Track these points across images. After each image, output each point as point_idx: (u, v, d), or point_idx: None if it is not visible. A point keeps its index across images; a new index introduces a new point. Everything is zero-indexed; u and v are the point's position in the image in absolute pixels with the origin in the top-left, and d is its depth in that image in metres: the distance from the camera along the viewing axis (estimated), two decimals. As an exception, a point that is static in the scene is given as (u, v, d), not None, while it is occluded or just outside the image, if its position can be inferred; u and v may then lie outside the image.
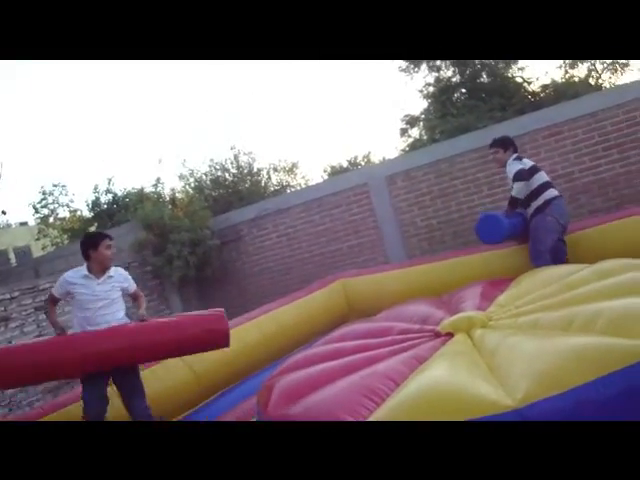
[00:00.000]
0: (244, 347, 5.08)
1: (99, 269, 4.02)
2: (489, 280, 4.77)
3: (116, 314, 4.03)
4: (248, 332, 5.38)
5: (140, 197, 10.43)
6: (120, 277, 4.16)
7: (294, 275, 8.58)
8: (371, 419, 2.55)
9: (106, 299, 4.01)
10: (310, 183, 15.35)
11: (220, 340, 3.95)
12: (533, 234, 5.07)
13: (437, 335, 3.51)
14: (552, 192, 5.14)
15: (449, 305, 4.33)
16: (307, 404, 2.85)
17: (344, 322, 6.05)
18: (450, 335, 3.43)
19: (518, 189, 5.05)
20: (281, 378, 3.40)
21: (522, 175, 5.06)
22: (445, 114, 12.30)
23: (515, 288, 4.21)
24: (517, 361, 2.66)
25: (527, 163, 5.23)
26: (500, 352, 2.85)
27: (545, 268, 4.43)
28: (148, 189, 12.08)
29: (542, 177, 5.20)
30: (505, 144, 5.32)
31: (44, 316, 6.90)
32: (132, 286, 4.26)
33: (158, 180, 12.44)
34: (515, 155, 5.29)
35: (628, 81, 8.32)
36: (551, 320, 3.11)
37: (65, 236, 13.25)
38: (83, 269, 4.02)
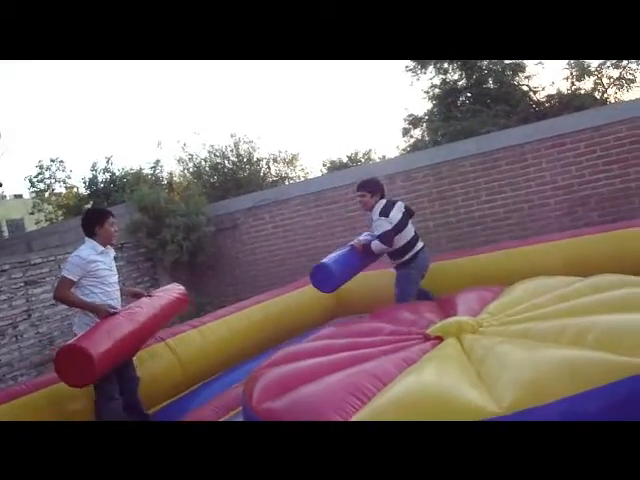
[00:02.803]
0: (232, 336, 5.07)
1: (103, 245, 4.02)
2: (481, 286, 4.76)
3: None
4: (237, 321, 5.37)
5: (137, 178, 10.41)
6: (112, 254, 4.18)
7: (287, 267, 8.56)
8: (356, 418, 2.54)
9: (116, 273, 4.09)
10: (309, 176, 15.34)
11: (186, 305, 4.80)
12: (398, 285, 5.10)
13: (427, 338, 3.50)
14: (418, 245, 5.12)
15: (439, 309, 4.32)
16: (293, 398, 2.84)
17: (333, 317, 6.05)
18: (439, 339, 3.42)
19: (377, 249, 4.90)
20: (269, 370, 3.39)
21: (389, 236, 4.89)
22: (449, 117, 12.28)
23: (507, 296, 4.20)
24: (506, 369, 2.66)
25: (395, 217, 5.00)
26: (489, 359, 2.85)
27: (539, 278, 4.42)
28: (146, 171, 12.06)
29: (409, 233, 5.07)
30: (373, 189, 5.09)
31: (34, 291, 6.88)
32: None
33: (157, 163, 12.43)
34: (384, 202, 5.07)
35: (634, 97, 8.32)
36: (542, 330, 3.10)
37: (60, 212, 13.22)
38: (95, 245, 3.97)
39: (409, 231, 5.09)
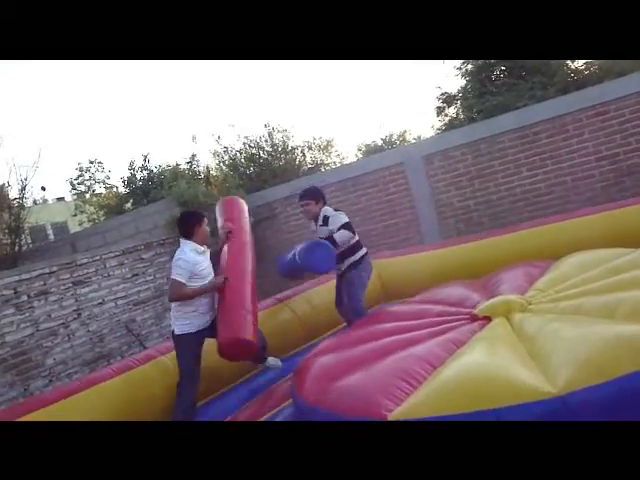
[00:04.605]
0: (277, 327, 5.07)
1: (200, 245, 4.13)
2: (528, 262, 4.65)
3: None
4: (281, 313, 5.37)
5: (175, 174, 10.51)
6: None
7: (328, 254, 8.51)
8: (407, 402, 2.52)
9: (212, 272, 4.18)
10: (345, 162, 15.26)
11: None
12: (349, 290, 4.91)
13: (474, 318, 3.44)
14: (363, 249, 5.01)
15: (486, 288, 4.24)
16: (343, 387, 2.82)
17: (378, 304, 6.01)
18: (487, 319, 3.36)
19: (343, 239, 4.74)
20: (316, 360, 3.39)
21: (351, 227, 4.83)
22: (484, 92, 11.99)
23: (555, 271, 4.09)
24: (559, 348, 2.59)
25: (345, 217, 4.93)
26: (541, 338, 2.78)
27: (587, 251, 4.27)
28: (183, 166, 12.17)
29: (355, 235, 4.99)
30: (317, 196, 4.96)
31: (82, 290, 7.04)
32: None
33: (193, 157, 12.53)
34: (329, 208, 4.97)
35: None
36: (594, 306, 3.01)
37: (101, 212, 13.47)
38: (194, 246, 4.07)
39: (355, 234, 5.01)
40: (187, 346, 3.96)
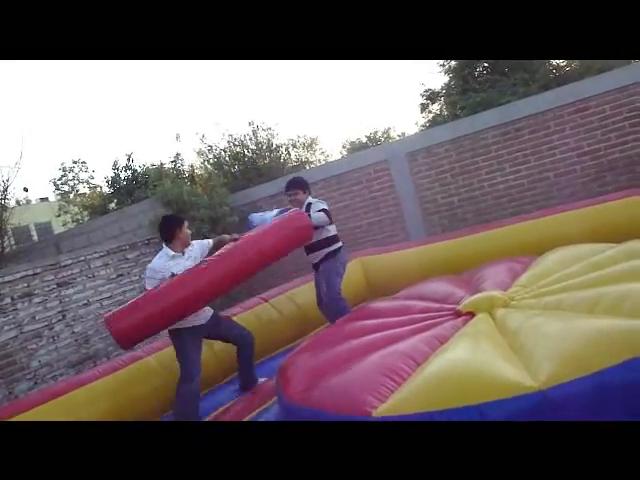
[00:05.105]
0: (261, 327, 5.07)
1: (181, 247, 4.18)
2: (510, 258, 4.70)
3: None
4: (265, 312, 5.38)
5: (159, 174, 10.43)
6: (194, 251, 4.26)
7: (313, 252, 8.52)
8: (392, 399, 2.53)
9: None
10: (329, 159, 15.27)
11: (306, 234, 4.61)
12: (327, 279, 4.99)
13: (458, 314, 3.47)
14: (339, 242, 5.12)
15: (469, 284, 4.28)
16: (327, 384, 2.84)
17: (363, 301, 6.03)
18: (471, 314, 3.39)
19: (319, 220, 4.82)
20: (301, 357, 3.40)
21: (329, 213, 4.95)
22: (467, 89, 12.06)
23: (537, 267, 4.13)
24: (541, 342, 2.62)
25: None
26: (523, 333, 2.81)
27: (569, 247, 4.33)
28: (167, 165, 12.11)
29: (334, 228, 5.13)
30: (304, 186, 5.14)
31: (66, 292, 6.99)
32: (206, 246, 4.39)
33: (177, 156, 12.46)
34: (310, 197, 5.15)
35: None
36: (576, 301, 3.05)
37: (85, 213, 13.36)
38: (167, 251, 4.14)
39: (334, 227, 5.13)
40: (180, 341, 4.03)
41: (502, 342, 2.83)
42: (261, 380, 4.45)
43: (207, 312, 4.17)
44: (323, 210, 4.90)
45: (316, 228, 4.79)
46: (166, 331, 4.07)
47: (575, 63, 11.91)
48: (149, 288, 4.01)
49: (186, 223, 4.25)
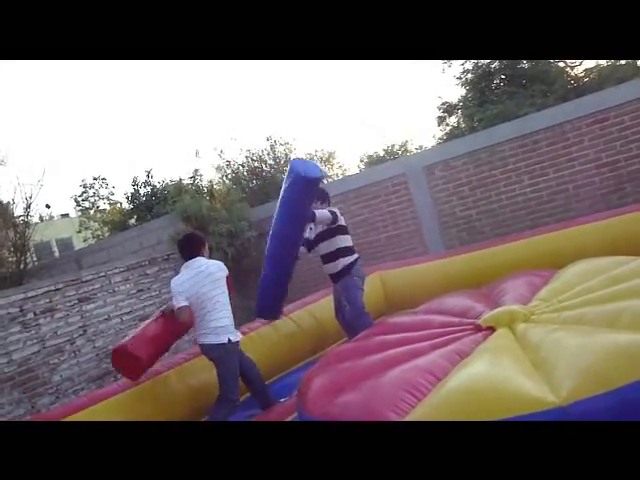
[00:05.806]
0: (280, 341, 5.09)
1: None
2: (530, 271, 4.67)
3: None
4: (285, 326, 5.40)
5: (178, 189, 10.53)
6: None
7: (331, 266, 8.52)
8: (412, 415, 2.53)
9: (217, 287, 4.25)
10: (347, 173, 15.35)
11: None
12: (348, 296, 4.94)
13: (478, 329, 3.45)
14: (356, 254, 5.12)
15: (489, 298, 4.25)
16: (347, 400, 2.84)
17: (382, 315, 6.02)
18: (491, 329, 3.37)
19: (322, 216, 4.87)
20: (321, 372, 3.40)
21: (336, 215, 4.99)
22: (484, 101, 12.07)
23: (558, 281, 4.09)
24: (562, 357, 2.60)
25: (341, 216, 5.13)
26: (544, 348, 2.79)
27: (589, 260, 4.29)
28: (186, 181, 12.22)
29: (349, 238, 5.14)
30: (324, 197, 5.21)
31: (87, 307, 7.08)
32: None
33: (196, 172, 12.57)
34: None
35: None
36: (597, 315, 3.02)
37: (105, 228, 13.51)
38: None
39: (349, 238, 5.14)
40: (214, 356, 4.11)
41: (523, 357, 2.81)
42: (281, 401, 4.45)
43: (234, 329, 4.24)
44: (330, 212, 4.96)
45: (315, 223, 4.90)
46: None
47: (593, 73, 11.84)
48: (182, 303, 4.03)
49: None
